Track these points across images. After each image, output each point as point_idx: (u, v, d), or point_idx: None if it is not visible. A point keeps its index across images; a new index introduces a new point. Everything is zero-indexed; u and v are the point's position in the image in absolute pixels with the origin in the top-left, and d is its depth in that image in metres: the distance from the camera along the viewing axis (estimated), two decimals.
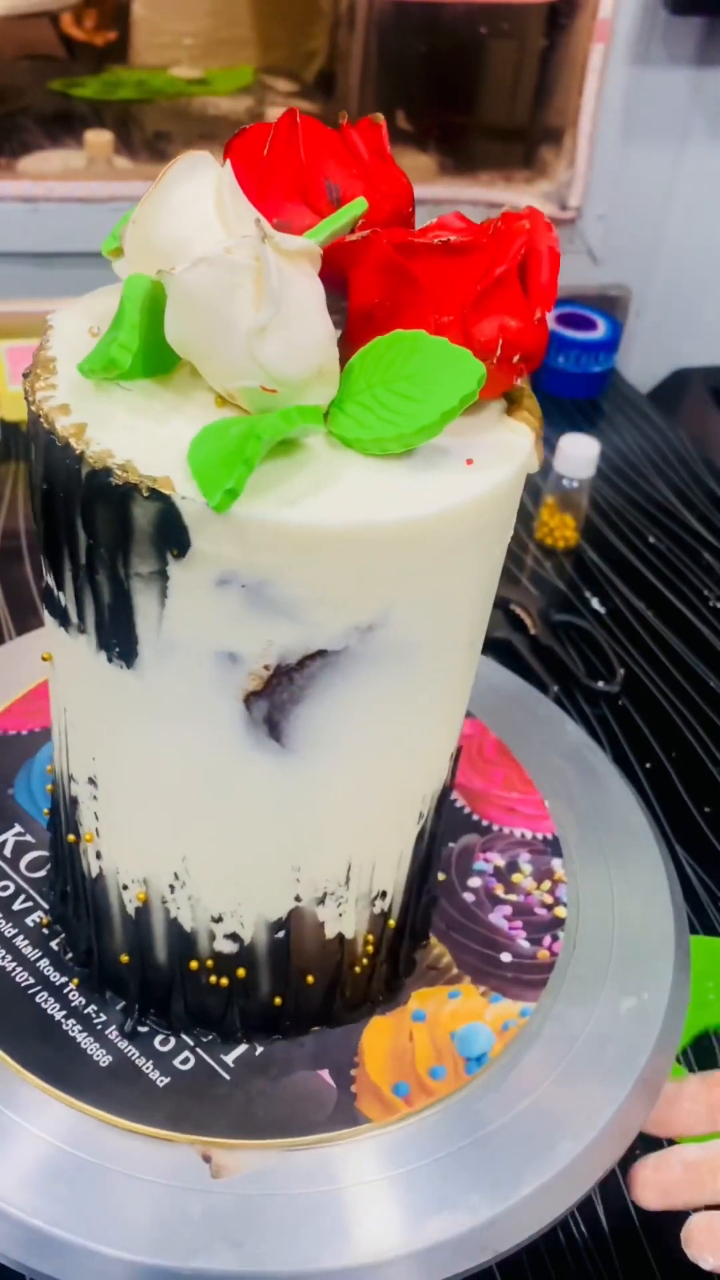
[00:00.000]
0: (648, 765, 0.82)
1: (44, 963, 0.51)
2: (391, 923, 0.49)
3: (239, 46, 1.46)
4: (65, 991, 0.50)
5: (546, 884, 0.57)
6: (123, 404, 0.38)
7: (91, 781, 0.45)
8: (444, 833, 0.55)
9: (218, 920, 0.46)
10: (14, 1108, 0.45)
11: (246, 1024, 0.49)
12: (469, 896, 0.56)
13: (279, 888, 0.45)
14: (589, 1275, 0.54)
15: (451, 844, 0.59)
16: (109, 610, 0.38)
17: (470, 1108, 0.47)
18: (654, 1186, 0.49)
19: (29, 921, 0.52)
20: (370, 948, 0.49)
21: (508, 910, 0.56)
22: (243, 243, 0.34)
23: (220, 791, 0.42)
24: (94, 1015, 0.49)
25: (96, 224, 1.22)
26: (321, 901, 0.46)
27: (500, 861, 0.58)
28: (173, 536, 0.35)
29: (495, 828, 0.60)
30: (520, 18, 1.33)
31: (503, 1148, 0.46)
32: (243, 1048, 0.49)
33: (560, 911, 0.55)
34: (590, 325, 1.24)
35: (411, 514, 0.36)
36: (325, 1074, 0.48)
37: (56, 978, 0.50)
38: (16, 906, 0.53)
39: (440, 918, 0.55)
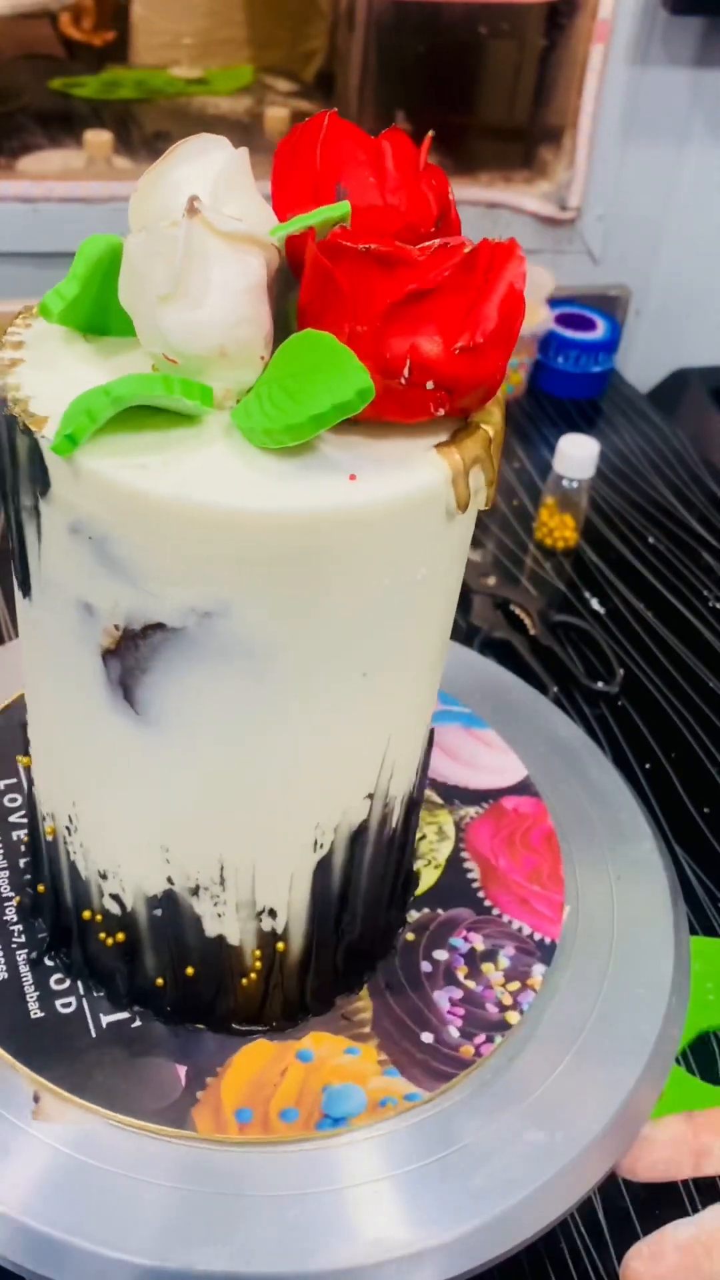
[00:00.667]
0: (647, 766, 0.82)
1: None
2: (281, 946, 0.48)
3: (238, 46, 1.46)
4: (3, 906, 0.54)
5: (515, 984, 0.54)
6: (74, 355, 0.41)
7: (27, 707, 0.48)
8: (399, 888, 0.54)
9: (104, 877, 0.47)
10: None
11: (131, 993, 0.49)
12: (426, 966, 0.54)
13: (150, 863, 0.45)
14: None
15: (441, 910, 0.57)
16: (15, 537, 0.41)
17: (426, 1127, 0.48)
18: (650, 1278, 0.47)
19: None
20: (259, 963, 0.49)
21: (457, 994, 0.53)
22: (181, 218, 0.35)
23: (89, 745, 0.43)
24: (15, 935, 0.52)
25: (96, 224, 1.22)
26: (195, 893, 0.46)
27: (480, 945, 0.55)
28: (37, 474, 0.38)
29: (495, 912, 0.57)
30: (520, 18, 1.33)
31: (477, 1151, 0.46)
32: (123, 1015, 0.49)
33: (511, 1017, 0.52)
34: (590, 325, 1.24)
35: (242, 505, 0.36)
36: (181, 1070, 0.48)
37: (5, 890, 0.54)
38: None
39: (383, 975, 0.53)
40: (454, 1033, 0.51)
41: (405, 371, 0.36)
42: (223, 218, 0.36)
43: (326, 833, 0.46)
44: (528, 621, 0.93)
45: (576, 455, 0.99)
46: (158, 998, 0.49)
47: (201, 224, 0.35)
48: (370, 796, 0.46)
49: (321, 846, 0.46)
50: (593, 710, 0.86)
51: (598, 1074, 0.49)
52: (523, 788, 0.62)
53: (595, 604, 0.98)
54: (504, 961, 0.55)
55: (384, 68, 1.38)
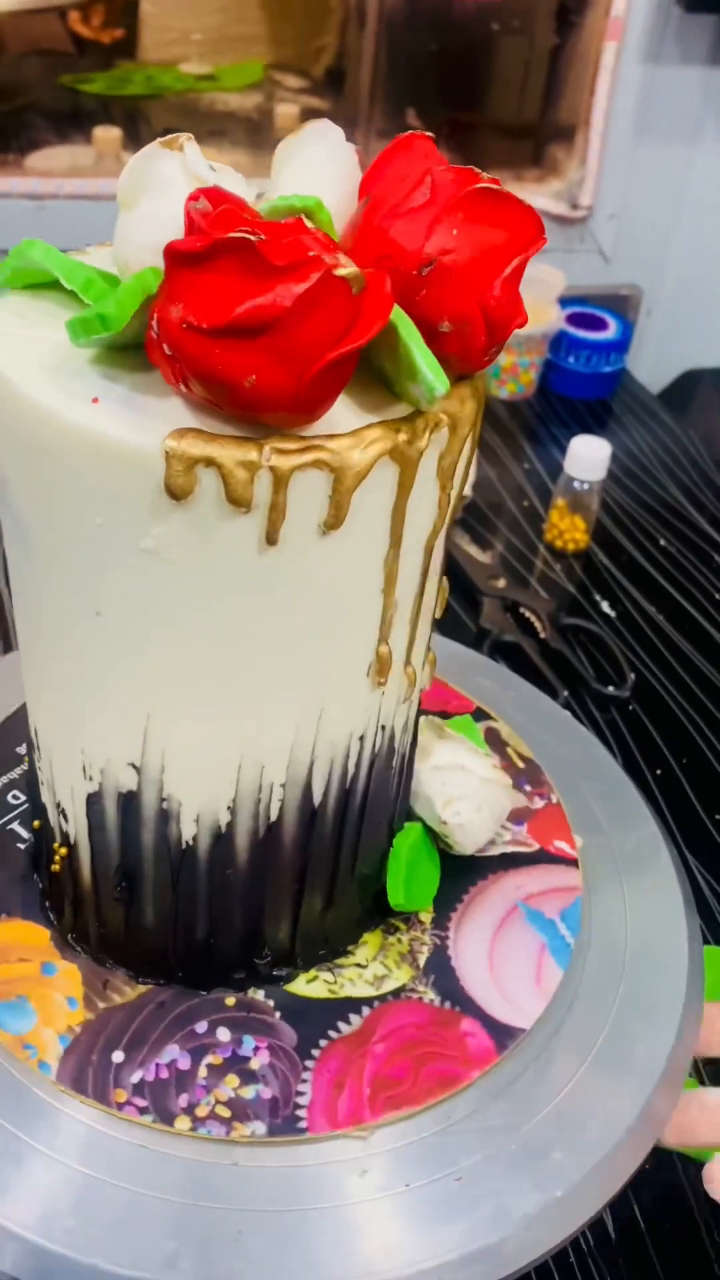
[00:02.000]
0: (658, 771, 0.81)
1: None
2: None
3: (248, 43, 1.45)
4: None
5: None
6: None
7: None
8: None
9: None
10: None
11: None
12: None
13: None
14: None
15: None
16: None
17: (483, 1114, 0.47)
18: (673, 1125, 0.49)
19: None
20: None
21: None
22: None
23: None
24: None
25: (104, 222, 1.20)
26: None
27: None
28: None
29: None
30: (531, 15, 1.32)
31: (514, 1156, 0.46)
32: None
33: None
34: (601, 325, 1.23)
35: (18, 388, 0.37)
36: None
37: None
38: None
39: None
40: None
41: (153, 328, 0.36)
42: (202, 165, 0.37)
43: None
44: (538, 624, 0.92)
45: (588, 457, 0.98)
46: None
47: (180, 158, 0.37)
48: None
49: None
50: (603, 715, 0.85)
51: (611, 1088, 0.48)
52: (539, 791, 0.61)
53: (606, 607, 0.97)
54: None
55: (395, 65, 1.37)
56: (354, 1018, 0.49)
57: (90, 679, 0.44)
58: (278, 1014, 0.49)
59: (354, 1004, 0.50)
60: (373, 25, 1.35)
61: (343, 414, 0.38)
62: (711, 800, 0.80)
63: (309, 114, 1.40)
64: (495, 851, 0.56)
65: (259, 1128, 0.45)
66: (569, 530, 1.01)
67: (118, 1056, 0.47)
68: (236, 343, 0.34)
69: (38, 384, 0.38)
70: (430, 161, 0.38)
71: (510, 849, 0.56)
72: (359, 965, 0.51)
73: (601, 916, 0.54)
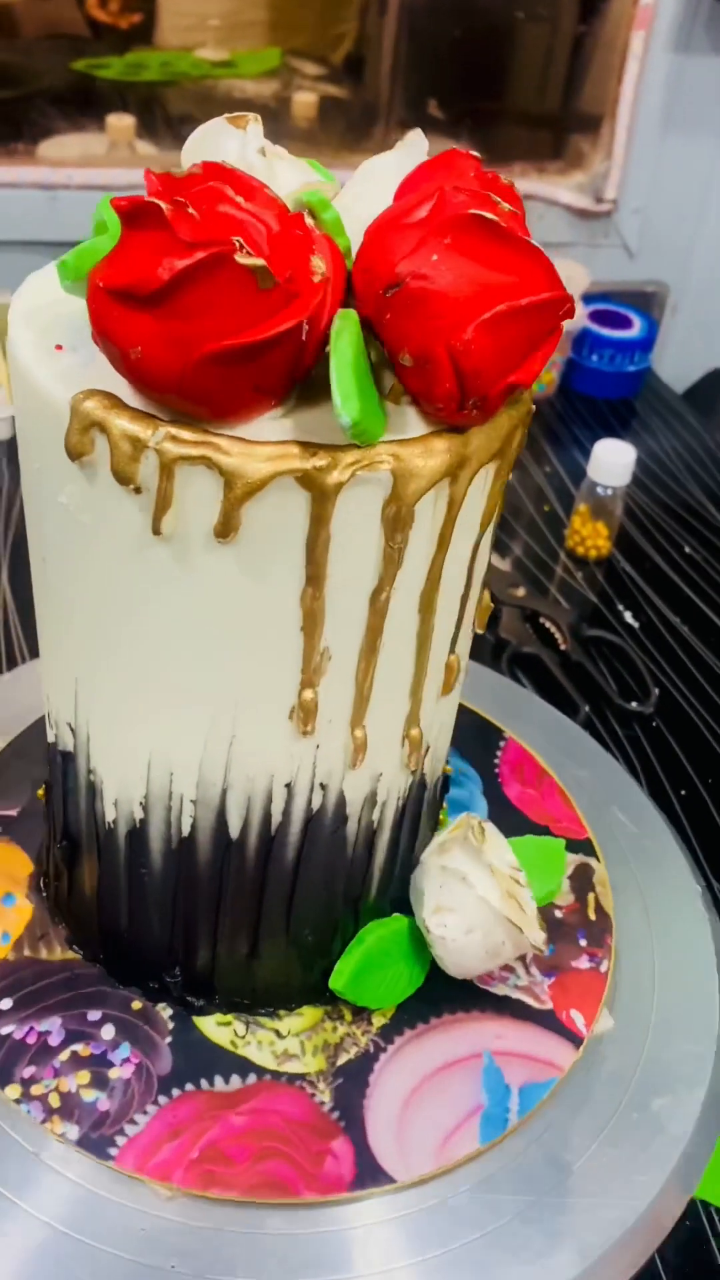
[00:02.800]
0: (683, 792, 0.79)
1: None
2: None
3: (265, 29, 1.42)
4: None
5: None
6: None
7: None
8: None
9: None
10: None
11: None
12: None
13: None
14: None
15: None
16: None
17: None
18: None
19: None
20: None
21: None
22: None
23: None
24: None
25: None
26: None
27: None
28: None
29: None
30: (555, 1, 1.29)
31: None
32: None
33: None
34: (625, 323, 1.20)
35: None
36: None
37: None
38: None
39: None
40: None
41: None
42: (254, 146, 0.37)
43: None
44: (558, 635, 0.89)
45: (612, 462, 0.95)
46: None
47: (241, 136, 0.37)
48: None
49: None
50: (626, 732, 0.83)
51: (641, 1145, 0.46)
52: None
53: (629, 617, 0.94)
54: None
55: (416, 53, 1.34)
56: (235, 1079, 0.46)
57: (43, 625, 0.44)
58: (168, 1040, 0.47)
59: (245, 1066, 0.47)
60: (394, 11, 1.32)
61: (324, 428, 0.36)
62: None
63: (327, 102, 1.37)
64: (500, 990, 0.51)
65: (72, 1131, 0.44)
66: (591, 537, 0.98)
67: (5, 1004, 0.47)
68: (129, 310, 0.33)
69: (32, 326, 0.39)
70: (460, 179, 0.34)
71: (518, 995, 0.51)
72: (278, 1033, 0.48)
73: (627, 947, 0.53)
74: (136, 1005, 0.49)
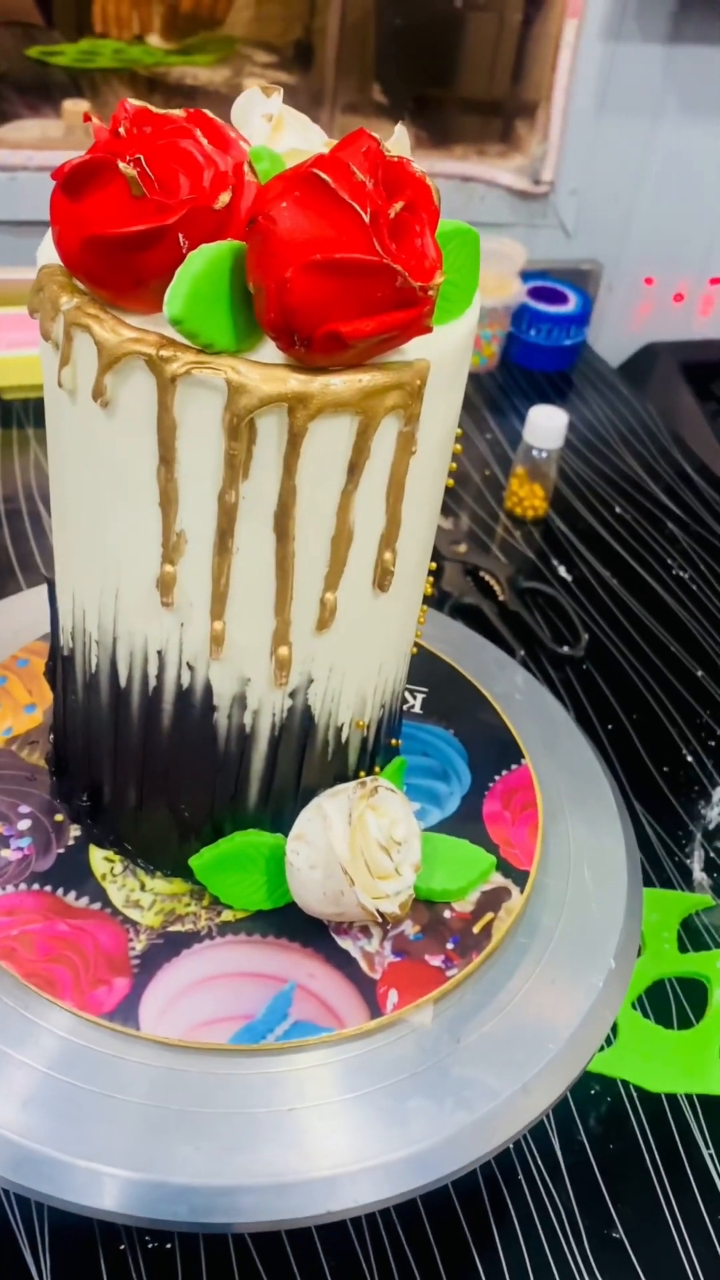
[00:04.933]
0: (609, 726, 0.85)
1: None
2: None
3: (217, 16, 1.46)
4: None
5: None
6: None
7: None
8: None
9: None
10: None
11: None
12: None
13: None
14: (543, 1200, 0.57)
15: None
16: None
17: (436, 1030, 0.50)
18: None
19: None
20: None
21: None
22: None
23: None
24: None
25: None
26: None
27: None
28: None
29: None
30: None
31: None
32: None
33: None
34: (562, 299, 1.26)
35: None
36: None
37: None
38: None
39: None
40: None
41: None
42: (261, 109, 0.45)
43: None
44: (497, 588, 0.95)
45: (546, 425, 1.01)
46: None
47: (262, 100, 0.45)
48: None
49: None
50: (558, 673, 0.89)
51: (552, 1004, 0.51)
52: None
53: (563, 571, 1.00)
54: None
55: (361, 41, 1.39)
56: (84, 900, 0.53)
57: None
58: (60, 850, 0.55)
59: (98, 894, 0.53)
60: (339, 1, 1.37)
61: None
62: (659, 753, 0.83)
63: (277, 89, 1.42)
64: (344, 944, 0.52)
65: None
66: (528, 498, 1.04)
67: None
68: (59, 196, 0.41)
69: None
70: (351, 151, 0.40)
71: (356, 955, 0.52)
72: (142, 886, 0.54)
73: (554, 855, 0.57)
74: (59, 817, 0.56)
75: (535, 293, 1.26)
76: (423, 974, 0.51)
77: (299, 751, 0.51)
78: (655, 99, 1.28)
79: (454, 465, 0.50)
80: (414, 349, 0.42)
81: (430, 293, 0.39)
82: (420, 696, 0.64)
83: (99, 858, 0.54)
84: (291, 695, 0.49)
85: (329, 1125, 0.46)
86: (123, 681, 0.49)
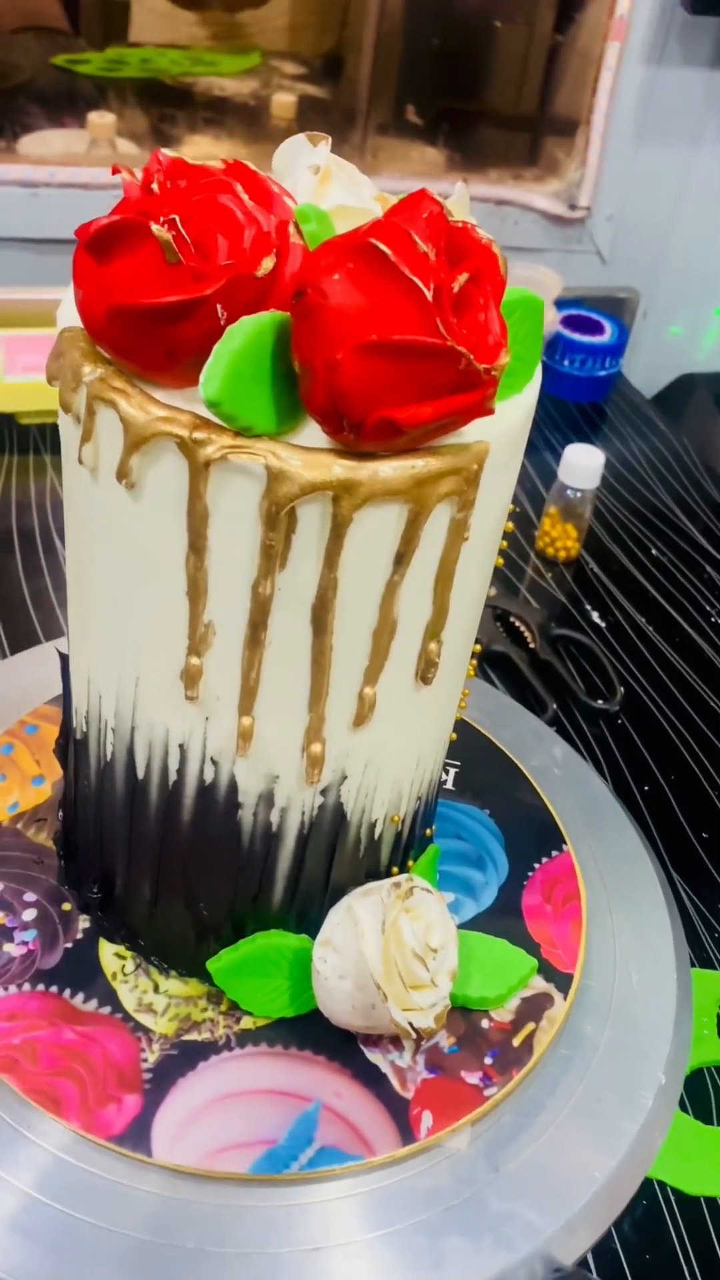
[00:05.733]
0: (645, 788, 0.81)
1: None
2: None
3: (246, 27, 1.43)
4: None
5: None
6: None
7: None
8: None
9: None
10: None
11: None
12: None
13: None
14: None
15: None
16: None
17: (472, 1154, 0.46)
18: None
19: None
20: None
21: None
22: None
23: None
24: None
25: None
26: None
27: None
28: None
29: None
30: (532, 9, 1.31)
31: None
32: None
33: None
34: (596, 329, 1.22)
35: None
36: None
37: None
38: None
39: None
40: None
41: None
42: (307, 160, 0.41)
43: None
44: (528, 635, 0.92)
45: (582, 465, 0.97)
46: None
47: (309, 150, 0.42)
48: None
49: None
50: (592, 729, 0.85)
51: (598, 1128, 0.48)
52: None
53: (596, 617, 0.96)
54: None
55: (394, 59, 1.35)
56: (93, 1002, 0.49)
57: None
58: (68, 945, 0.51)
59: (109, 997, 0.49)
60: (373, 16, 1.34)
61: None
62: (699, 818, 0.79)
63: (306, 102, 1.39)
64: (374, 1057, 0.48)
65: None
66: (560, 538, 1.00)
67: None
68: (83, 256, 0.37)
69: None
70: (411, 216, 0.36)
71: (386, 1070, 0.48)
72: (156, 987, 0.50)
73: (592, 941, 0.54)
74: (66, 906, 0.52)
75: (569, 321, 1.22)
76: (459, 1093, 0.47)
77: (329, 849, 0.47)
78: (696, 124, 1.24)
79: (504, 544, 0.46)
80: (472, 430, 0.38)
81: (494, 374, 0.36)
82: (453, 771, 0.60)
83: (109, 954, 0.50)
84: (323, 793, 0.45)
85: (356, 1268, 0.42)
86: (140, 773, 0.46)
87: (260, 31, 1.43)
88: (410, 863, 0.52)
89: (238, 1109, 0.46)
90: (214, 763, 0.44)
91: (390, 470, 0.37)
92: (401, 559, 0.39)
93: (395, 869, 0.51)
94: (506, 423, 0.40)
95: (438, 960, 0.47)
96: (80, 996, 0.48)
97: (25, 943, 0.50)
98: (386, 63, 1.35)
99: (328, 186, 0.41)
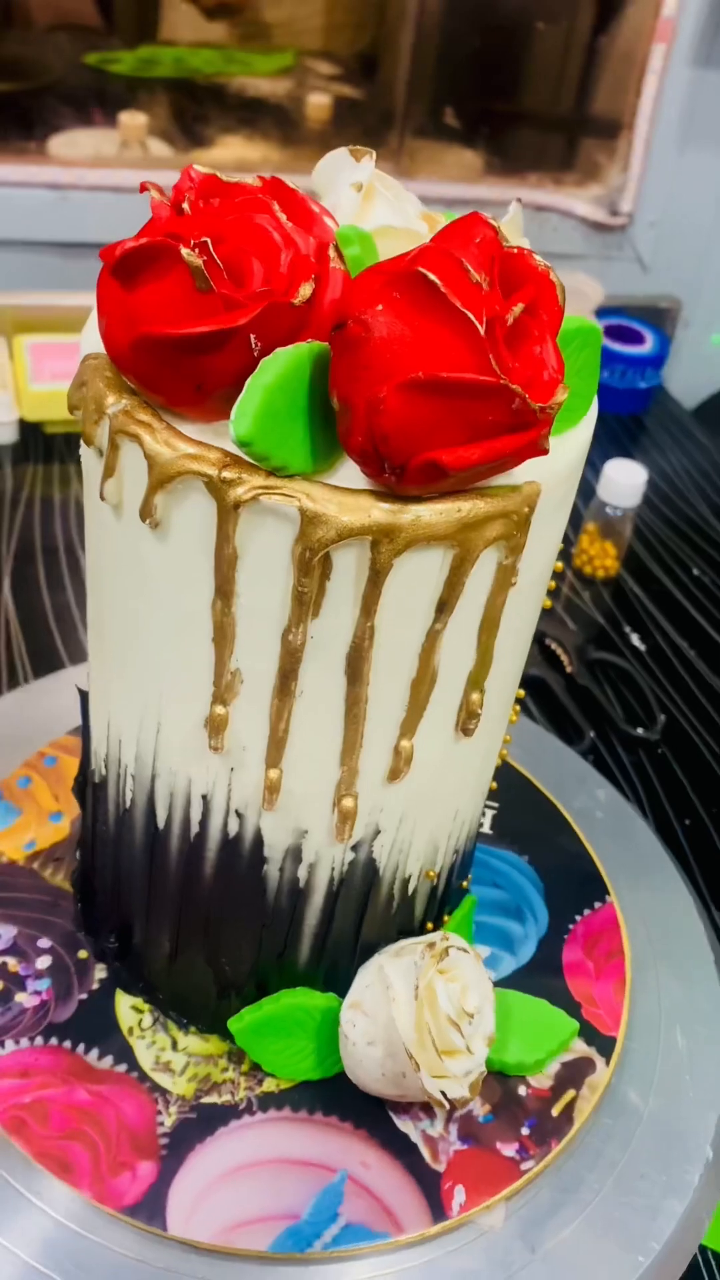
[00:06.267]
0: (687, 821, 0.78)
1: None
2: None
3: (280, 26, 1.41)
4: None
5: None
6: None
7: None
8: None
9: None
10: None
11: None
12: None
13: None
14: None
15: None
16: None
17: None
18: None
19: None
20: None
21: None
22: None
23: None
24: None
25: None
26: None
27: None
28: None
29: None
30: (574, 9, 1.27)
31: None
32: None
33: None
34: (637, 339, 1.19)
35: None
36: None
37: None
38: None
39: None
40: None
41: None
42: (350, 177, 0.38)
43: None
44: (564, 658, 0.88)
45: (624, 483, 0.94)
46: None
47: (353, 165, 0.38)
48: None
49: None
50: (630, 758, 0.82)
51: (641, 1206, 0.45)
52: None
53: (636, 640, 0.93)
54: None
55: (432, 61, 1.32)
56: (108, 1059, 0.46)
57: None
58: (83, 995, 0.48)
59: (125, 1054, 0.46)
60: (411, 16, 1.31)
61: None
62: None
63: (342, 104, 1.36)
64: (403, 1126, 0.45)
65: None
66: (599, 556, 0.97)
67: None
68: (107, 279, 0.34)
69: None
70: (463, 242, 0.33)
71: (416, 1140, 0.45)
72: (174, 1044, 0.47)
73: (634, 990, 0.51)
74: (83, 954, 0.50)
75: (609, 331, 1.19)
76: (493, 1166, 0.44)
77: (359, 906, 0.44)
78: None
79: (553, 584, 0.43)
80: (523, 470, 0.35)
81: (550, 412, 0.33)
82: (491, 813, 0.57)
83: (126, 1006, 0.48)
84: (354, 848, 0.42)
85: None
86: (160, 822, 0.43)
87: (295, 31, 1.41)
88: (445, 917, 0.49)
89: (258, 1179, 0.43)
90: (239, 815, 0.41)
91: (434, 514, 0.34)
92: (444, 607, 0.36)
93: (430, 924, 0.48)
94: (561, 461, 0.37)
95: (473, 1025, 0.44)
96: (95, 1053, 0.46)
97: (39, 992, 0.47)
98: (424, 63, 1.32)
99: (371, 203, 0.38)
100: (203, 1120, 0.44)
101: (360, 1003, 0.44)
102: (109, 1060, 0.46)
